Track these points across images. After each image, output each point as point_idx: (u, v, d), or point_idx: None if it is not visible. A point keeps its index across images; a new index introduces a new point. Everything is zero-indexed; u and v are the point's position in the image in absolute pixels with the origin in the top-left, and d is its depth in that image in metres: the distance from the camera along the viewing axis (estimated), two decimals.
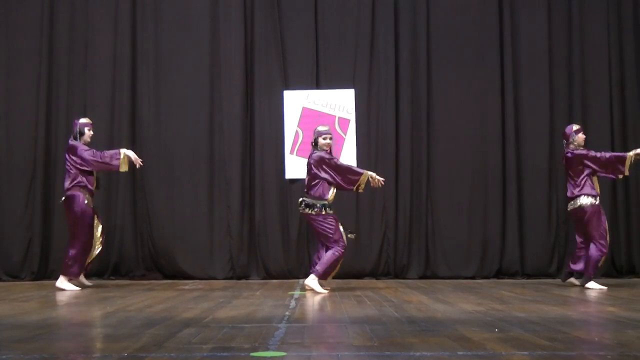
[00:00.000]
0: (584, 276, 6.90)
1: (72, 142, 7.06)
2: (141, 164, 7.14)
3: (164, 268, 8.45)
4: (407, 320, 4.42)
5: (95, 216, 7.12)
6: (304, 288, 6.59)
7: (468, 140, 8.62)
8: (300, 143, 8.46)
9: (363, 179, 6.63)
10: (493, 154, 8.61)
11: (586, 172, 6.97)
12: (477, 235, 8.53)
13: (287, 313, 4.80)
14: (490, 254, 8.48)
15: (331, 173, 6.60)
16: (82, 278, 7.20)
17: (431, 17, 8.75)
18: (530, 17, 8.76)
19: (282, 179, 8.47)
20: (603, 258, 6.97)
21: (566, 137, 7.22)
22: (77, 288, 6.92)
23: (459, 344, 3.46)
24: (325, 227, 6.54)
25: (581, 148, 7.09)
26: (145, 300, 5.81)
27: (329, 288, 6.56)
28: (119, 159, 6.94)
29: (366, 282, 7.98)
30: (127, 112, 8.61)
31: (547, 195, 8.55)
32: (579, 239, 7.11)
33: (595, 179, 7.05)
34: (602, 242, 6.86)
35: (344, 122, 8.52)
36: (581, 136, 7.14)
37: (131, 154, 7.03)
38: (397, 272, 8.45)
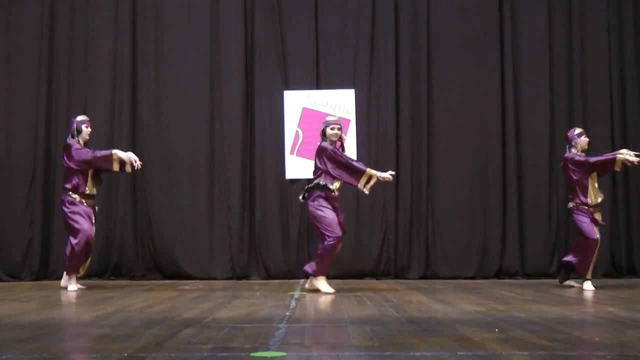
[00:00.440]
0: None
1: (68, 140, 7.03)
2: (140, 164, 7.08)
3: (164, 268, 8.45)
4: (408, 320, 4.42)
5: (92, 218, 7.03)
6: (306, 288, 6.57)
7: (468, 140, 8.62)
8: (301, 143, 8.46)
9: (365, 178, 6.54)
10: (493, 154, 8.61)
11: (574, 177, 6.91)
12: (477, 236, 8.53)
13: (287, 313, 4.81)
14: (491, 254, 8.48)
15: (331, 165, 6.49)
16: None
17: (431, 17, 8.75)
18: (530, 17, 8.76)
19: (282, 179, 8.47)
20: (573, 262, 6.95)
21: (568, 140, 7.07)
22: (82, 287, 6.90)
23: (459, 344, 3.46)
24: (317, 214, 6.42)
25: (581, 153, 6.95)
26: (146, 300, 5.81)
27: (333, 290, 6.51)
28: (111, 158, 6.89)
29: (366, 282, 7.98)
30: (127, 112, 8.61)
31: (547, 195, 8.55)
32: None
33: (591, 183, 6.90)
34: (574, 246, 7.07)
35: (344, 122, 8.49)
36: (584, 139, 7.00)
37: (124, 154, 6.96)
38: (398, 272, 8.45)
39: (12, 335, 3.82)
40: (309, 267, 6.52)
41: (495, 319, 4.45)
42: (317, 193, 6.45)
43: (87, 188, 6.96)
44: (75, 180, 6.91)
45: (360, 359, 3.18)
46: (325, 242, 6.36)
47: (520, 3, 8.77)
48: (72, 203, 6.89)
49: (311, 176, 6.65)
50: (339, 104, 8.52)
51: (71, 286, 6.81)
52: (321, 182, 6.46)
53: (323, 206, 6.44)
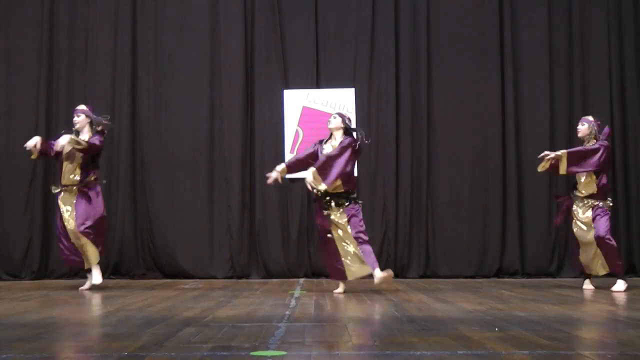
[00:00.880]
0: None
1: None
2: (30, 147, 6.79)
3: (164, 267, 8.45)
4: (408, 319, 4.42)
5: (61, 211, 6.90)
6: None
7: (468, 140, 8.62)
8: (301, 142, 8.46)
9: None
10: (493, 154, 8.61)
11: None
12: (477, 235, 8.53)
13: (287, 312, 4.81)
14: (491, 253, 8.48)
15: None
16: None
17: (431, 17, 8.75)
18: (530, 17, 8.76)
19: (282, 179, 8.45)
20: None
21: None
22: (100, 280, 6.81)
23: (459, 343, 3.46)
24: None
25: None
26: (146, 299, 5.81)
27: (341, 290, 6.48)
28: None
29: (366, 281, 7.97)
30: (127, 112, 8.61)
31: (547, 195, 8.54)
32: None
33: (578, 176, 6.81)
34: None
35: None
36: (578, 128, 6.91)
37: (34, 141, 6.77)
38: (398, 272, 8.44)
39: (12, 334, 3.82)
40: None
41: (495, 318, 4.45)
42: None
43: (62, 178, 6.90)
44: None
45: (360, 358, 3.18)
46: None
47: (520, 3, 8.77)
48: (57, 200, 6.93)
49: None
50: (339, 103, 8.52)
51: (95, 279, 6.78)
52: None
53: (317, 207, 6.49)
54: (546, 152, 6.76)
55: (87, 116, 6.95)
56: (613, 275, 6.68)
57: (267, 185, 8.51)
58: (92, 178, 6.87)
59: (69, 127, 7.19)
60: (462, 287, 6.94)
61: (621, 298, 5.97)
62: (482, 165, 8.61)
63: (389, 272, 6.32)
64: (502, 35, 8.70)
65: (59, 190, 6.88)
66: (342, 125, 6.35)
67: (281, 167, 6.42)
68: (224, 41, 8.68)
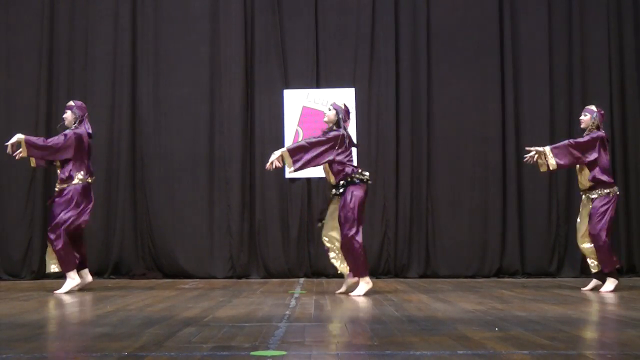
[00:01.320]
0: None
1: None
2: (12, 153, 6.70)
3: (164, 267, 8.45)
4: (408, 319, 4.42)
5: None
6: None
7: (468, 140, 8.61)
8: None
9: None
10: (493, 154, 8.61)
11: None
12: (477, 235, 8.53)
13: (287, 312, 4.81)
14: (491, 253, 8.48)
15: None
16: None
17: (431, 16, 8.74)
18: (530, 17, 8.75)
19: (282, 179, 8.46)
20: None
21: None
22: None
23: (459, 343, 3.47)
24: None
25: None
26: (146, 299, 5.81)
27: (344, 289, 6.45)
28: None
29: None
30: (127, 112, 8.61)
31: (547, 195, 8.54)
32: None
33: (578, 168, 6.77)
34: None
35: None
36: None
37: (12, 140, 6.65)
38: (398, 271, 8.45)
39: (12, 334, 3.82)
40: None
41: (495, 317, 4.45)
42: None
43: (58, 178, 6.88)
44: None
45: (360, 357, 3.18)
46: None
47: (520, 3, 8.76)
48: None
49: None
50: None
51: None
52: None
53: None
54: (528, 149, 6.74)
55: (72, 112, 6.87)
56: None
57: (267, 185, 8.58)
58: (66, 176, 6.74)
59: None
60: (462, 287, 6.94)
61: (610, 297, 5.96)
62: (482, 165, 8.61)
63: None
64: (502, 35, 8.70)
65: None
66: (335, 120, 6.26)
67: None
68: (224, 41, 8.68)
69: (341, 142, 6.14)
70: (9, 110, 8.61)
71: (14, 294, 6.39)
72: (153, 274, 8.40)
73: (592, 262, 6.69)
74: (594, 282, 6.70)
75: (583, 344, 3.54)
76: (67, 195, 6.72)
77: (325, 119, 6.29)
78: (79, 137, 6.77)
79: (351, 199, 6.10)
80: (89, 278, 6.86)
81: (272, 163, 6.06)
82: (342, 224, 6.10)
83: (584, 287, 6.72)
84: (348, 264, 6.23)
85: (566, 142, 6.72)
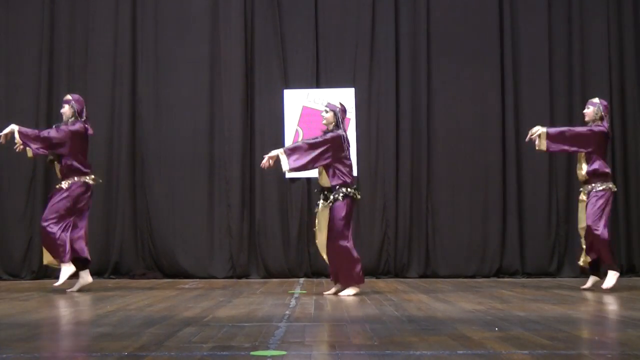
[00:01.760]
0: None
1: None
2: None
3: (164, 267, 8.46)
4: (407, 319, 4.42)
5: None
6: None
7: (468, 140, 8.61)
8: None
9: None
10: (493, 154, 8.61)
11: None
12: (477, 235, 8.53)
13: (287, 312, 4.81)
14: (491, 253, 8.48)
15: None
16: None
17: (431, 16, 8.74)
18: (530, 17, 8.75)
19: (282, 179, 8.46)
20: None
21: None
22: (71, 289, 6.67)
23: (459, 342, 3.47)
24: None
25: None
26: (146, 299, 5.81)
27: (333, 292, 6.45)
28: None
29: (366, 281, 7.95)
30: (127, 111, 8.61)
31: (547, 194, 8.54)
32: None
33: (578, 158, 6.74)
34: None
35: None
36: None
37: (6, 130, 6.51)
38: (398, 271, 8.45)
39: (12, 334, 3.82)
40: None
41: (495, 317, 4.45)
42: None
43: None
44: None
45: (360, 357, 3.18)
46: None
47: (520, 3, 8.76)
48: None
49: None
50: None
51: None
52: None
53: None
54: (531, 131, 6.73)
55: (70, 106, 6.70)
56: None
57: (267, 185, 8.57)
58: (63, 174, 6.65)
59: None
60: (462, 287, 6.94)
61: (610, 297, 5.95)
62: (482, 164, 8.61)
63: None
64: (502, 35, 8.69)
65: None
66: (333, 121, 6.20)
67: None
68: (224, 41, 8.68)
69: (340, 143, 6.09)
70: (9, 110, 8.60)
71: (14, 294, 6.39)
72: (153, 274, 8.40)
73: (584, 257, 6.65)
74: (592, 279, 6.66)
75: (583, 344, 3.54)
76: (63, 194, 6.62)
77: (324, 121, 6.21)
78: (75, 133, 6.61)
79: (344, 210, 6.01)
80: (89, 279, 6.75)
81: (267, 161, 6.01)
82: (336, 236, 6.01)
83: (583, 286, 6.71)
84: (340, 272, 6.16)
85: (565, 128, 6.75)
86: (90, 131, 6.81)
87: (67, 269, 6.54)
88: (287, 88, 8.61)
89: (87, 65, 8.66)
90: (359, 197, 6.21)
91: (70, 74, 8.67)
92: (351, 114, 8.51)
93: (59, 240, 6.52)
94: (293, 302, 5.53)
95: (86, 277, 6.72)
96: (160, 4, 8.76)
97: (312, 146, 6.05)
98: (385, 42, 8.68)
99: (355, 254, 6.13)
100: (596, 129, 6.57)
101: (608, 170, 6.60)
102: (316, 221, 6.25)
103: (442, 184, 8.59)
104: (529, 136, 6.78)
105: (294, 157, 6.01)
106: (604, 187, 6.52)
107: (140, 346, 3.39)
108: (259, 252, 8.46)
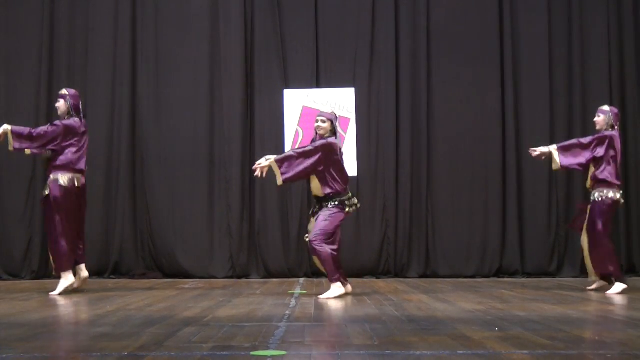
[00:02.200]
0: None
1: None
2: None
3: (164, 267, 8.46)
4: (408, 319, 4.42)
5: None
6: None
7: (468, 140, 8.61)
8: (301, 142, 8.44)
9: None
10: (493, 154, 8.61)
11: None
12: (477, 235, 8.53)
13: (287, 312, 4.81)
14: (491, 253, 8.48)
15: None
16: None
17: (431, 16, 8.74)
18: (530, 16, 8.75)
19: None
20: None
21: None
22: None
23: (459, 342, 3.47)
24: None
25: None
26: (146, 299, 5.81)
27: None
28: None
29: (366, 281, 7.98)
30: (127, 112, 8.61)
31: (547, 195, 8.54)
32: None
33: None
34: None
35: (344, 121, 8.50)
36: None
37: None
38: (398, 271, 8.45)
39: (12, 333, 3.82)
40: None
41: (495, 317, 4.45)
42: None
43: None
44: None
45: (360, 357, 3.18)
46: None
47: (520, 3, 8.76)
48: None
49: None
50: (338, 102, 8.51)
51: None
52: None
53: None
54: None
55: (65, 101, 6.51)
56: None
57: (267, 185, 8.57)
58: (52, 172, 6.48)
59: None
60: (462, 287, 6.94)
61: (610, 297, 5.95)
62: (482, 165, 8.61)
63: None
64: (502, 35, 8.70)
65: None
66: (331, 128, 6.08)
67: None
68: (224, 41, 8.68)
69: (330, 150, 5.98)
70: (9, 110, 8.60)
71: (14, 294, 6.39)
72: (153, 274, 8.40)
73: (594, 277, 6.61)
74: (599, 282, 6.61)
75: (583, 344, 3.54)
76: (53, 194, 6.42)
77: (321, 132, 6.06)
78: (68, 128, 6.42)
79: (334, 215, 5.93)
80: (85, 273, 6.61)
81: (260, 170, 5.93)
82: (318, 232, 5.89)
83: (587, 287, 6.70)
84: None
85: (574, 141, 6.73)
86: (84, 128, 6.56)
87: (65, 282, 6.39)
88: (287, 88, 8.60)
89: (87, 65, 8.67)
90: (352, 209, 6.06)
91: (70, 74, 8.66)
92: (351, 114, 8.51)
93: (58, 250, 6.42)
94: (293, 302, 5.53)
95: (81, 272, 6.56)
96: (160, 4, 8.76)
97: (301, 155, 5.98)
98: (385, 42, 8.68)
99: (327, 249, 5.90)
100: (602, 135, 6.55)
101: (615, 177, 6.54)
102: (309, 226, 6.26)
103: (442, 184, 8.59)
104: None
105: (285, 167, 5.94)
106: (606, 193, 6.51)
107: (140, 346, 3.39)
108: (259, 252, 8.46)
